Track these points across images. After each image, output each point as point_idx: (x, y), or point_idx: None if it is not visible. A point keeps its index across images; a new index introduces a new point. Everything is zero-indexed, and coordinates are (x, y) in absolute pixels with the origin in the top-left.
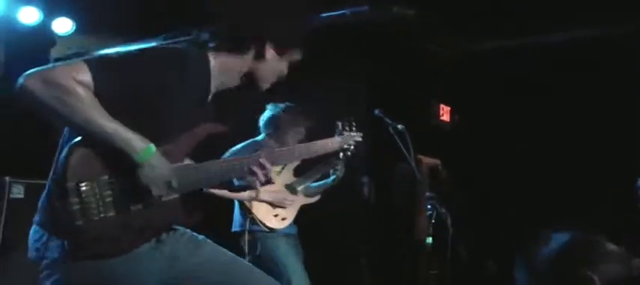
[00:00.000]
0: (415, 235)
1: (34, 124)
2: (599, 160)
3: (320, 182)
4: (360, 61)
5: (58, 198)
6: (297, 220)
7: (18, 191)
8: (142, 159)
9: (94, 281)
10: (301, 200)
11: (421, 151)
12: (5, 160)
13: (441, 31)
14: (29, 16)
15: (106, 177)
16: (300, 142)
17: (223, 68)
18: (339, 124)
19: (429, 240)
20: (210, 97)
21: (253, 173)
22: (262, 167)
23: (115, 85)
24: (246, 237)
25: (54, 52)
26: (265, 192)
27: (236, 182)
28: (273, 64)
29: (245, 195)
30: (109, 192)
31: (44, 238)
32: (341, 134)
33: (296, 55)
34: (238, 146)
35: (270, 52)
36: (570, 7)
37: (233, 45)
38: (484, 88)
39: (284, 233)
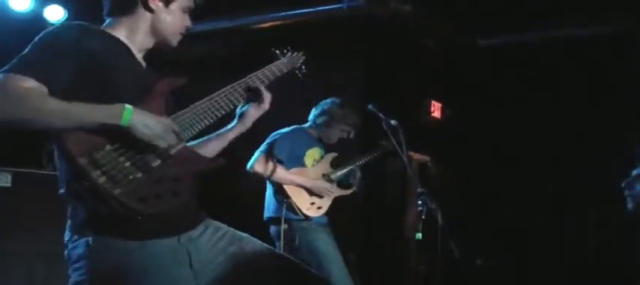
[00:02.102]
0: (405, 230)
1: None
2: (591, 154)
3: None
4: (354, 56)
5: (80, 180)
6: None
7: (5, 180)
8: (126, 121)
9: (119, 269)
10: (337, 191)
11: (412, 148)
12: None
13: (434, 27)
14: (21, 3)
15: (109, 147)
16: (343, 139)
17: (129, 32)
18: (277, 51)
19: (419, 235)
20: (140, 60)
21: (254, 94)
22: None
23: (56, 75)
24: (283, 224)
25: None
26: (307, 179)
27: (238, 110)
28: (166, 16)
29: (297, 179)
30: (122, 158)
31: (74, 238)
32: (283, 55)
33: (186, 2)
34: (283, 130)
35: (155, 3)
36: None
37: (118, 7)
38: (475, 84)
39: (320, 223)
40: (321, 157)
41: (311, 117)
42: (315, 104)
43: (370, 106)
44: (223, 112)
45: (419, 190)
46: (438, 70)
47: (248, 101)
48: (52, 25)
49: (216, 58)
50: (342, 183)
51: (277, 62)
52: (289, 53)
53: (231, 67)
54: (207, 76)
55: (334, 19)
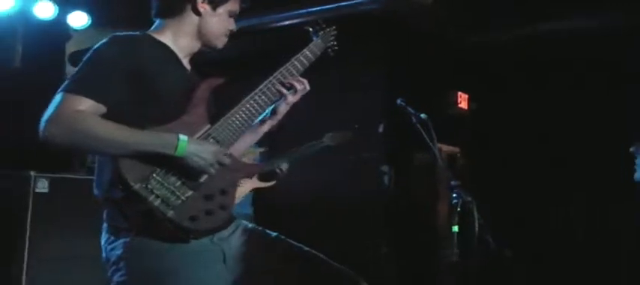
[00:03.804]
0: (437, 222)
1: None
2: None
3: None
4: (379, 51)
5: (131, 204)
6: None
7: (43, 186)
8: (181, 153)
9: (157, 268)
10: (253, 184)
11: (440, 140)
12: (29, 155)
13: (455, 18)
14: (45, 11)
15: (160, 169)
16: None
17: (175, 35)
18: (310, 29)
19: (455, 228)
20: (186, 64)
21: (286, 86)
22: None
23: (112, 91)
24: None
25: (69, 46)
26: None
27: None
28: (212, 19)
29: None
30: (173, 179)
31: (111, 239)
32: (317, 35)
33: (232, 7)
34: None
35: (203, 7)
36: None
37: (167, 8)
38: (501, 74)
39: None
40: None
41: None
42: (338, 100)
43: (399, 101)
44: (263, 111)
45: (453, 183)
46: (462, 62)
47: (282, 94)
48: (75, 31)
49: (244, 56)
50: (264, 175)
51: (310, 46)
52: (322, 31)
53: (258, 65)
54: (240, 75)
55: (357, 15)
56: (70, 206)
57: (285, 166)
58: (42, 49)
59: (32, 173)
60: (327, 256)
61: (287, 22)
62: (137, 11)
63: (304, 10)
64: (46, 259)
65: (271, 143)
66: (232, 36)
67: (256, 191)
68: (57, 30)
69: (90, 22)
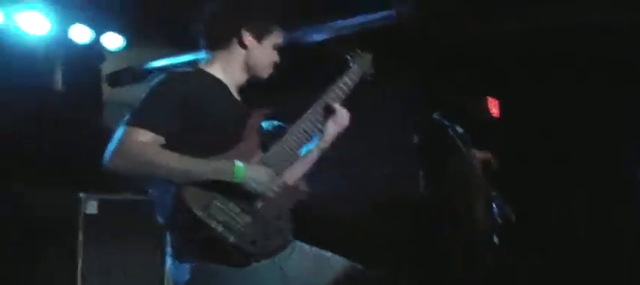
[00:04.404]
0: (476, 230)
1: (105, 140)
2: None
3: None
4: (404, 63)
5: (194, 230)
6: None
7: (92, 207)
8: (239, 179)
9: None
10: None
11: (473, 147)
12: (78, 176)
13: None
14: (81, 35)
15: (221, 196)
16: None
17: (224, 67)
18: (348, 57)
19: (495, 239)
20: (236, 95)
21: (330, 112)
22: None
23: (170, 123)
24: None
25: (105, 68)
26: None
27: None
28: (258, 52)
29: None
30: (232, 205)
31: (177, 264)
32: (354, 62)
33: (276, 39)
34: None
35: (248, 40)
36: None
37: (215, 43)
38: (530, 78)
39: None
40: None
41: None
42: (371, 119)
43: (435, 115)
44: (311, 138)
45: (493, 193)
46: (490, 68)
47: (326, 120)
48: (111, 52)
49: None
50: None
51: (348, 72)
52: (359, 57)
53: (293, 82)
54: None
55: (382, 27)
56: (119, 227)
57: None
58: (79, 71)
59: (81, 195)
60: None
61: (312, 39)
62: (169, 31)
63: (329, 25)
64: (99, 281)
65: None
66: None
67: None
68: (92, 52)
69: (125, 43)
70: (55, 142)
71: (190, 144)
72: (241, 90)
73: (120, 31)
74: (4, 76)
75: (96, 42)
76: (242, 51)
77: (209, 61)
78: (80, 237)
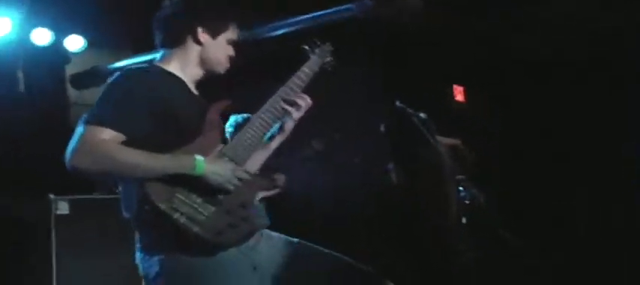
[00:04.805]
0: (447, 218)
1: None
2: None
3: None
4: (370, 52)
5: (159, 223)
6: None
7: (63, 207)
8: (200, 172)
9: (192, 282)
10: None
11: (439, 134)
12: (48, 178)
13: (439, 15)
14: (42, 38)
15: (183, 189)
16: None
17: (181, 64)
18: (306, 47)
19: (463, 221)
20: (194, 91)
21: (291, 103)
22: (290, 97)
23: (129, 121)
24: None
25: (69, 69)
26: None
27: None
28: (213, 48)
29: None
30: (195, 197)
31: (146, 257)
32: (314, 53)
33: (231, 35)
34: None
35: (203, 37)
36: None
37: (171, 40)
38: (494, 64)
39: None
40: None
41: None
42: (334, 107)
43: (397, 104)
44: (270, 128)
45: (459, 177)
46: (453, 56)
47: (285, 110)
48: (74, 54)
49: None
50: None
51: (308, 63)
52: (318, 48)
53: (257, 76)
54: (240, 86)
55: (345, 19)
56: (92, 226)
57: (281, 178)
58: (43, 73)
59: (51, 196)
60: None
61: (278, 33)
62: (128, 31)
63: (290, 21)
64: (74, 279)
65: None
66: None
67: (265, 200)
68: (55, 54)
69: (86, 44)
70: (21, 144)
71: (150, 140)
72: (199, 85)
73: (81, 33)
74: None
75: (58, 44)
76: (197, 47)
77: (166, 59)
78: (53, 238)
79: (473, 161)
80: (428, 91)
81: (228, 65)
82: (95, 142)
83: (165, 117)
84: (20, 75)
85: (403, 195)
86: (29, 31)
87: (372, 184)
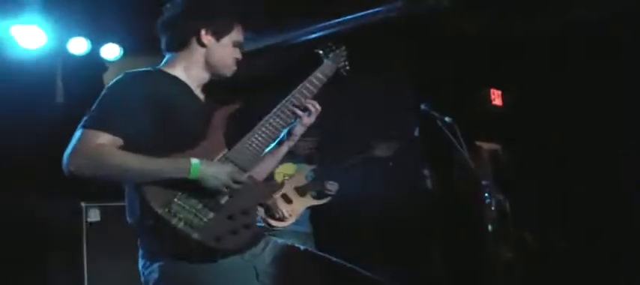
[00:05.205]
0: (483, 222)
1: None
2: None
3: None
4: (404, 56)
5: (158, 228)
6: (318, 217)
7: (95, 215)
8: (195, 175)
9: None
10: (308, 202)
11: (479, 139)
12: (79, 186)
13: (475, 16)
14: (78, 47)
15: (181, 193)
16: (311, 150)
17: (185, 67)
18: (320, 51)
19: (490, 227)
20: (199, 95)
21: (300, 108)
22: (301, 102)
23: (127, 124)
24: None
25: (106, 78)
26: None
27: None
28: (218, 50)
29: None
30: (194, 201)
31: (147, 264)
32: (327, 57)
33: (236, 37)
34: None
35: (207, 39)
36: None
37: (175, 43)
38: (532, 67)
39: (292, 231)
40: (295, 171)
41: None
42: (368, 109)
43: (423, 106)
44: (279, 133)
45: (483, 182)
46: (489, 59)
47: (296, 116)
48: (110, 62)
49: (268, 73)
50: (318, 194)
51: (321, 67)
52: (332, 52)
53: (283, 81)
54: (265, 92)
55: (376, 22)
56: (122, 233)
57: (334, 186)
58: (80, 82)
59: (83, 204)
60: (377, 262)
61: (303, 39)
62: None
63: (322, 24)
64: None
65: (321, 160)
66: (253, 55)
67: (312, 208)
68: (92, 63)
69: (122, 53)
70: (57, 153)
71: (151, 144)
72: (205, 89)
73: (117, 41)
74: (4, 91)
75: (95, 53)
76: (202, 50)
77: (170, 62)
78: (84, 245)
79: (511, 166)
80: (465, 94)
81: (234, 68)
82: (92, 146)
83: (164, 121)
84: (59, 84)
85: (439, 200)
86: (66, 41)
87: (408, 187)
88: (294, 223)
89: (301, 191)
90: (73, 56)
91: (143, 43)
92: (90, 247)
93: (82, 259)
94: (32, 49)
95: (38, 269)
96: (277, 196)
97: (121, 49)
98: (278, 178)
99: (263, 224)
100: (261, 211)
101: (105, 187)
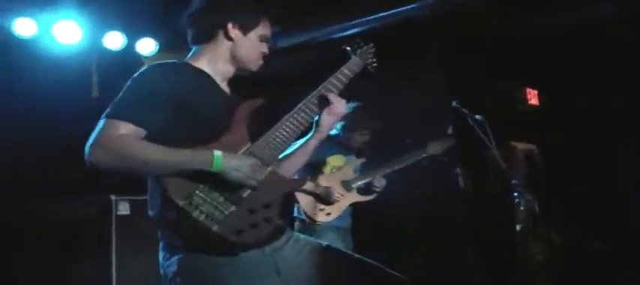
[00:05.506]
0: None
1: None
2: None
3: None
4: (438, 55)
5: (178, 220)
6: (360, 214)
7: (124, 208)
8: (217, 168)
9: (210, 282)
10: (353, 197)
11: (514, 138)
12: (109, 179)
13: (507, 14)
14: (114, 41)
15: (203, 186)
16: (364, 144)
17: (211, 60)
18: (348, 48)
19: (518, 227)
20: (224, 88)
21: (325, 102)
22: (327, 98)
23: (151, 115)
24: (296, 224)
25: None
26: (313, 185)
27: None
28: (244, 44)
29: (307, 185)
30: (216, 194)
31: (167, 257)
32: (355, 53)
33: (263, 31)
34: None
35: (234, 32)
36: None
37: (201, 36)
38: (568, 66)
39: (332, 226)
40: (344, 164)
41: None
42: (401, 108)
43: (454, 104)
44: (304, 128)
45: (513, 182)
46: (526, 58)
47: (322, 110)
48: (145, 57)
49: (297, 71)
50: (363, 189)
51: (348, 63)
52: (359, 49)
53: (312, 79)
54: (292, 89)
55: (409, 20)
56: (151, 226)
57: (382, 182)
58: (116, 77)
59: (113, 197)
60: (411, 261)
61: (332, 37)
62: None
63: (351, 22)
64: (134, 280)
65: (370, 154)
66: (283, 52)
67: (356, 205)
68: (128, 58)
69: (158, 48)
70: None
71: (174, 136)
72: (231, 83)
73: (153, 36)
74: (41, 85)
75: (130, 48)
76: (228, 43)
77: (196, 55)
78: (114, 238)
79: (544, 166)
80: (501, 94)
81: (260, 62)
82: (113, 137)
83: (186, 112)
84: (94, 79)
85: (472, 199)
86: (102, 36)
87: (442, 185)
88: (336, 218)
89: (347, 186)
90: (108, 51)
91: (179, 38)
92: (119, 240)
93: (111, 252)
94: (69, 44)
95: (68, 262)
96: (333, 182)
97: (157, 43)
98: (326, 170)
99: (305, 218)
100: (305, 203)
101: (135, 180)
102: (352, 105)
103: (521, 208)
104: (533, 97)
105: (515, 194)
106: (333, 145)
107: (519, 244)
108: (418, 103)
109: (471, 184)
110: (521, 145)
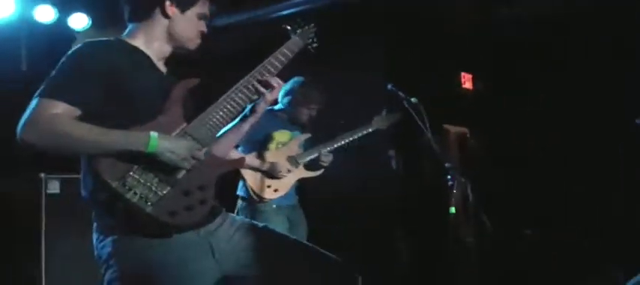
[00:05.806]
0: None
1: None
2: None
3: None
4: (374, 37)
5: (111, 202)
6: (303, 191)
7: (54, 187)
8: (152, 149)
9: (145, 264)
10: (300, 173)
11: (447, 122)
12: (39, 157)
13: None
14: (45, 15)
15: (137, 166)
16: (311, 118)
17: (147, 38)
18: (288, 27)
19: (452, 210)
20: (160, 67)
21: (263, 84)
22: (265, 78)
23: (84, 95)
24: (239, 202)
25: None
26: (260, 162)
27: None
28: (182, 22)
29: (253, 162)
30: (150, 175)
31: (101, 238)
32: (295, 33)
33: (201, 9)
34: None
35: (172, 10)
36: None
37: (138, 13)
38: (503, 53)
39: (280, 205)
40: (290, 139)
41: (279, 98)
42: (341, 89)
43: (389, 86)
44: (240, 109)
45: (446, 165)
46: (461, 42)
47: (258, 91)
48: (78, 32)
49: (237, 51)
50: (310, 165)
51: (288, 43)
52: (300, 29)
53: (254, 59)
54: (232, 70)
55: (349, 3)
56: (82, 206)
57: (329, 157)
58: (47, 52)
59: (43, 175)
60: (341, 242)
61: (274, 16)
62: None
63: (292, 2)
64: (63, 258)
65: (314, 129)
66: (222, 31)
67: (302, 181)
68: (60, 33)
69: (90, 23)
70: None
71: (108, 117)
72: (167, 62)
73: (86, 11)
74: None
75: (62, 22)
76: (165, 21)
77: (132, 32)
78: (43, 217)
79: (479, 149)
80: (436, 77)
81: (199, 41)
82: (46, 116)
83: (121, 92)
84: (23, 53)
85: (404, 181)
86: (32, 8)
87: (374, 168)
88: (283, 197)
89: (294, 162)
90: (39, 24)
91: (112, 14)
92: (49, 219)
93: (41, 230)
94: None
95: None
96: (279, 158)
97: (90, 19)
98: (272, 146)
99: (253, 196)
100: (252, 181)
101: (66, 158)
102: (298, 79)
103: (454, 191)
104: (467, 81)
105: (449, 177)
106: (278, 119)
107: (451, 227)
108: (356, 85)
109: (402, 166)
110: (454, 129)
